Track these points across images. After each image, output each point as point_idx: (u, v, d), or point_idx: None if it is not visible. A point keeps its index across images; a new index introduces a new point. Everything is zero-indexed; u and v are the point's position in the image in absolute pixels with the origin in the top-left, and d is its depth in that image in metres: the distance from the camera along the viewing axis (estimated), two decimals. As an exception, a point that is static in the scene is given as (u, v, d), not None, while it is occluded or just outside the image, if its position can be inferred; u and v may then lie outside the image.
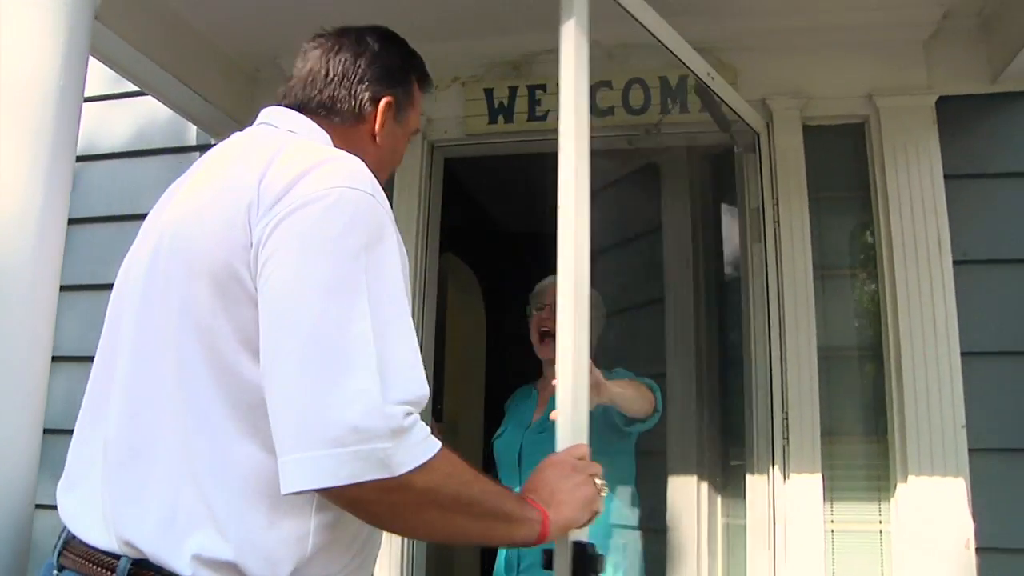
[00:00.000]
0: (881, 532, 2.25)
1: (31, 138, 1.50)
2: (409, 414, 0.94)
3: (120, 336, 1.12)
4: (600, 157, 3.03)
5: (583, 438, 1.34)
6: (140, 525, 1.00)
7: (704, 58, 2.26)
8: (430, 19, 2.49)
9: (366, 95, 1.27)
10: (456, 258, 4.15)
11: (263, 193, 1.02)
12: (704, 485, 2.57)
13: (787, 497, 2.26)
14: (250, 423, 0.98)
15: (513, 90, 2.63)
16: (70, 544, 1.07)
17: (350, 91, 1.26)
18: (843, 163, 2.44)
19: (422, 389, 0.98)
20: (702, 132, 2.53)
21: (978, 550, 2.12)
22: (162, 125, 2.94)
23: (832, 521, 2.26)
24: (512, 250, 4.37)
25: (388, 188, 2.70)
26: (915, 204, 2.31)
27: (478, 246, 4.47)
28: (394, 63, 1.32)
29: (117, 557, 1.00)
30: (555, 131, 2.18)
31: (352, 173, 1.06)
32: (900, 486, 2.21)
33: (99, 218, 2.94)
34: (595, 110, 2.51)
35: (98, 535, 1.03)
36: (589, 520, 1.23)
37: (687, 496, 2.55)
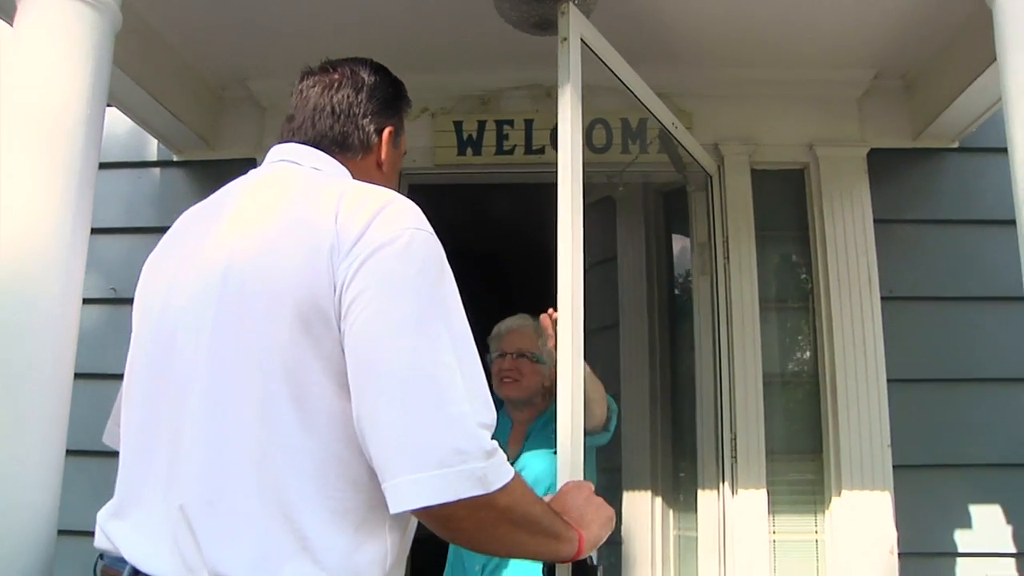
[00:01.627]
0: (817, 541, 2.53)
1: (61, 168, 1.58)
2: (493, 437, 1.07)
3: (181, 367, 1.14)
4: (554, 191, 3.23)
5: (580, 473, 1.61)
6: (234, 561, 1.04)
7: (664, 103, 2.49)
8: (401, 50, 2.58)
9: (371, 127, 1.35)
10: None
11: (341, 235, 1.08)
12: (658, 499, 2.80)
13: (735, 511, 2.52)
14: (336, 456, 1.08)
15: (482, 124, 2.80)
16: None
17: (357, 125, 1.34)
18: (786, 205, 2.74)
19: (493, 414, 1.09)
20: (658, 171, 2.77)
21: (900, 555, 2.43)
22: (121, 139, 2.95)
23: (775, 532, 2.53)
24: (479, 271, 4.52)
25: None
26: (848, 244, 2.62)
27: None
28: (389, 93, 1.41)
29: None
30: (521, 165, 2.41)
31: (414, 213, 1.15)
32: (834, 499, 2.51)
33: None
34: (556, 146, 2.72)
35: (169, 567, 1.07)
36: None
37: (642, 509, 2.78)
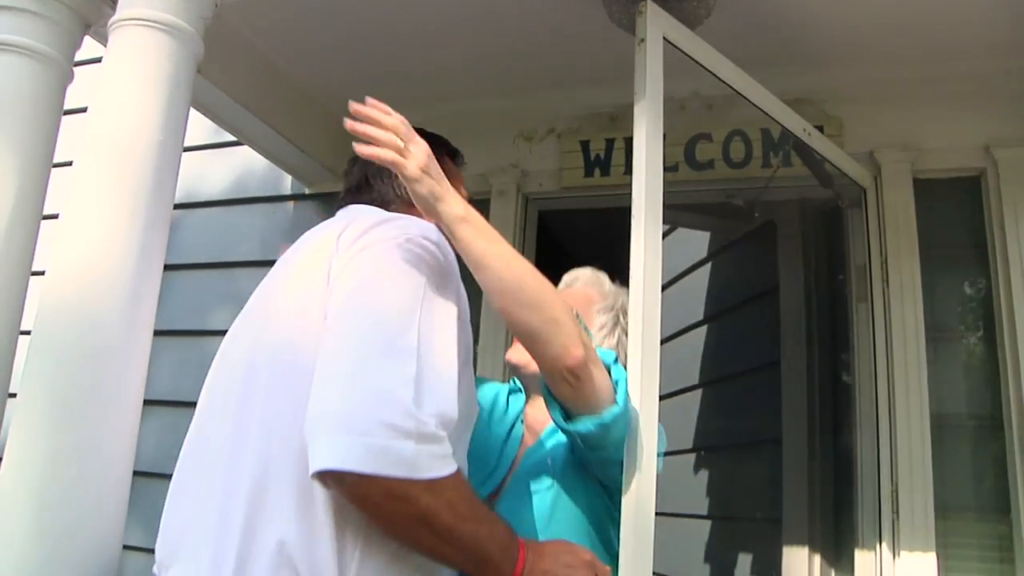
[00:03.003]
0: (1004, 619, 2.12)
1: (131, 191, 1.60)
2: (441, 430, 1.05)
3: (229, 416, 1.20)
4: (713, 218, 3.04)
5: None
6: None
7: (807, 110, 2.27)
8: (527, 70, 2.57)
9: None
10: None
11: (341, 242, 1.19)
12: (817, 557, 2.52)
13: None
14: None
15: (610, 142, 2.69)
16: None
17: (392, 186, 1.44)
18: (957, 218, 2.40)
19: (452, 411, 1.08)
20: (809, 186, 2.50)
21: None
22: (259, 174, 3.10)
23: (949, 605, 2.15)
24: None
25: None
26: (1037, 261, 2.22)
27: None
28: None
29: None
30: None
31: (423, 227, 1.21)
32: (1025, 570, 2.10)
33: (196, 264, 3.08)
34: (693, 163, 2.54)
35: None
36: None
37: (800, 567, 2.48)
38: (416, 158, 1.20)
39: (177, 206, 3.26)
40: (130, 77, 1.63)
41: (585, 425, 1.33)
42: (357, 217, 1.25)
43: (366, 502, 1.03)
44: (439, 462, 1.04)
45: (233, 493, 1.10)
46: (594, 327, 1.63)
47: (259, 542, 1.07)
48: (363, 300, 1.11)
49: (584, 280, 1.72)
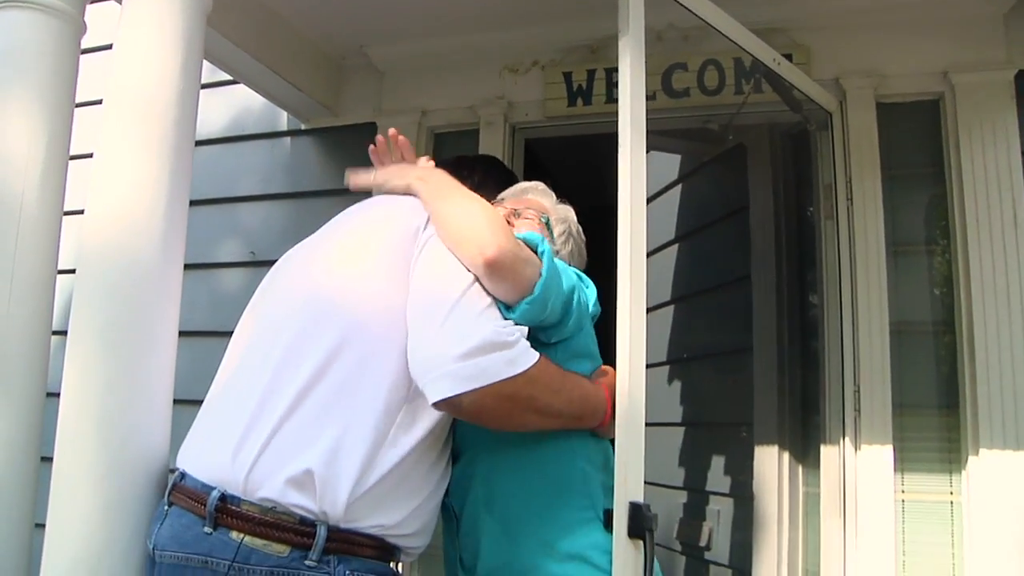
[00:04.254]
0: (952, 503, 2.41)
1: (157, 137, 1.73)
2: (518, 329, 1.35)
3: None
4: (689, 140, 3.21)
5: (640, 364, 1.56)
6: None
7: (778, 38, 2.43)
8: (512, 5, 2.70)
9: None
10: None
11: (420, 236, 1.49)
12: (786, 455, 2.78)
13: (858, 468, 2.45)
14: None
15: (591, 73, 2.83)
16: None
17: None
18: (917, 140, 2.58)
19: (505, 325, 1.37)
20: (781, 111, 2.67)
21: (1050, 520, 2.25)
22: (256, 112, 3.23)
23: (903, 491, 2.44)
24: (587, 223, 4.61)
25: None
26: (990, 180, 2.44)
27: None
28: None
29: None
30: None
31: None
32: (972, 458, 2.37)
33: (200, 201, 3.23)
34: (670, 91, 2.71)
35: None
36: None
37: (770, 465, 2.77)
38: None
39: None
40: (149, 31, 1.75)
41: (520, 309, 1.39)
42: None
43: (483, 412, 1.32)
44: (526, 355, 1.31)
45: (280, 390, 1.35)
46: (555, 232, 1.80)
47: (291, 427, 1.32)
48: (434, 272, 1.38)
49: (539, 191, 1.88)
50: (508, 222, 1.71)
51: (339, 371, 1.34)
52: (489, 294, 1.38)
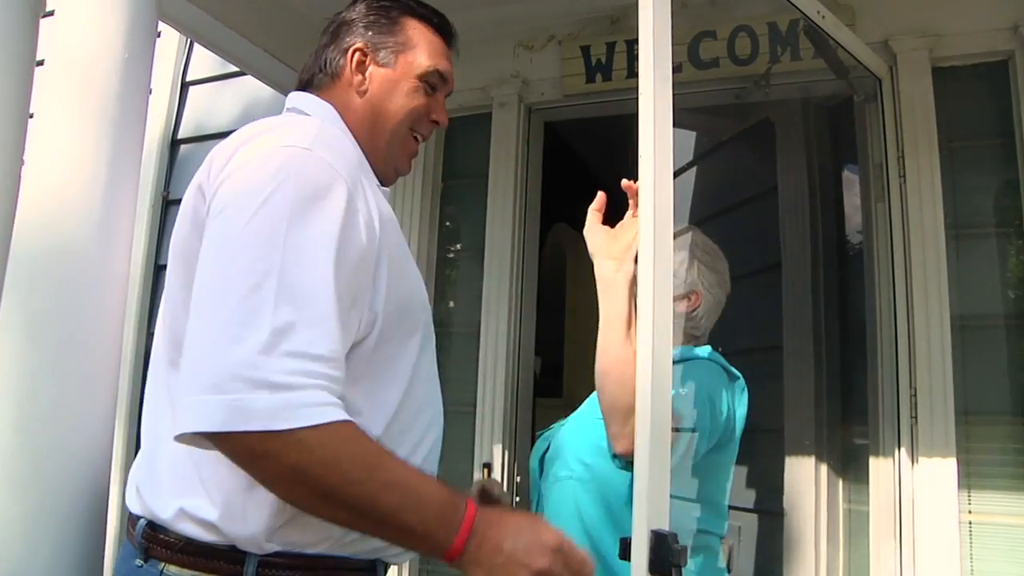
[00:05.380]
0: (1028, 526, 2.07)
1: (94, 110, 1.60)
2: (304, 375, 0.97)
3: None
4: (708, 115, 2.95)
5: (667, 355, 1.29)
6: (155, 488, 1.15)
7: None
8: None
9: (334, 52, 1.36)
10: (571, 229, 4.15)
11: (210, 172, 1.15)
12: (824, 467, 2.50)
13: (916, 483, 2.16)
14: None
15: (611, 46, 2.63)
16: None
17: (320, 55, 1.39)
18: (981, 108, 2.28)
19: (328, 347, 1.01)
20: (817, 81, 2.42)
21: None
22: (265, 103, 3.11)
23: (970, 511, 2.13)
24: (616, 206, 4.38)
25: (483, 155, 2.74)
26: (1069, 151, 2.11)
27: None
28: (371, 13, 1.39)
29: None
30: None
31: (297, 135, 1.14)
32: (1052, 474, 2.04)
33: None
34: (697, 62, 2.47)
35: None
36: None
37: (805, 478, 2.48)
38: None
39: (187, 140, 3.34)
40: None
41: None
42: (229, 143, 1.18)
43: (236, 460, 0.99)
44: (305, 410, 0.95)
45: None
46: (675, 263, 1.73)
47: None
48: (213, 247, 1.05)
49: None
50: None
51: None
52: (337, 281, 1.04)
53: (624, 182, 1.54)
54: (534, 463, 1.83)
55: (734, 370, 1.79)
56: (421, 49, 1.38)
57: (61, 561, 1.40)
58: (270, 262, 1.00)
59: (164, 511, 1.11)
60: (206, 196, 1.12)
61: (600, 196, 1.65)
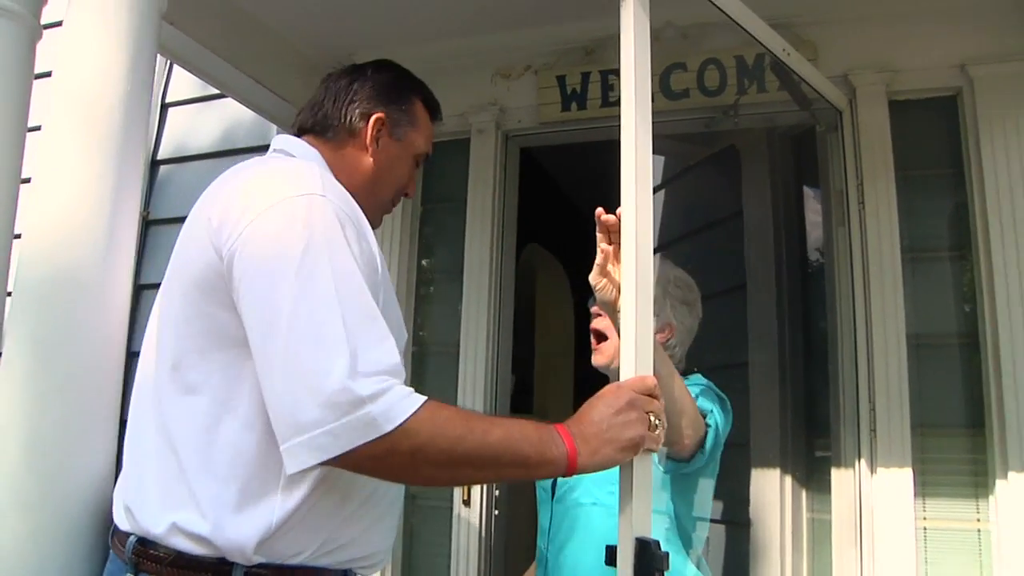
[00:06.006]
0: (979, 531, 2.23)
1: (99, 141, 1.65)
2: (384, 380, 1.11)
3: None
4: (676, 141, 3.08)
5: (648, 370, 1.35)
6: (145, 504, 1.25)
7: (781, 34, 2.27)
8: (502, 7, 2.61)
9: (356, 112, 1.48)
10: (542, 249, 4.26)
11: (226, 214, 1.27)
12: (788, 478, 2.62)
13: (874, 492, 2.29)
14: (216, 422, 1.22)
15: (586, 76, 2.74)
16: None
17: (341, 111, 1.48)
18: (933, 139, 2.43)
19: (393, 354, 1.16)
20: (782, 112, 2.56)
21: (1087, 550, 2.07)
22: (246, 125, 3.18)
23: (925, 518, 2.26)
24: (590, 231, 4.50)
25: (462, 179, 2.82)
26: (1014, 180, 2.29)
27: (565, 235, 4.57)
28: (389, 84, 1.53)
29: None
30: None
31: (304, 180, 1.27)
32: (1000, 482, 2.20)
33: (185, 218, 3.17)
34: (668, 93, 2.59)
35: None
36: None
37: (771, 488, 2.60)
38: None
39: (167, 161, 3.40)
40: (93, 29, 1.68)
41: (697, 463, 1.78)
42: (244, 177, 1.34)
43: (362, 471, 1.15)
44: (400, 406, 1.09)
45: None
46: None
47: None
48: (270, 303, 1.15)
49: None
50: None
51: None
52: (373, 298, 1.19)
53: (599, 212, 1.54)
54: (540, 487, 2.02)
55: (723, 394, 1.93)
56: (421, 131, 1.55)
57: (71, 577, 1.45)
58: (327, 305, 1.13)
59: (156, 527, 1.21)
60: (222, 238, 1.22)
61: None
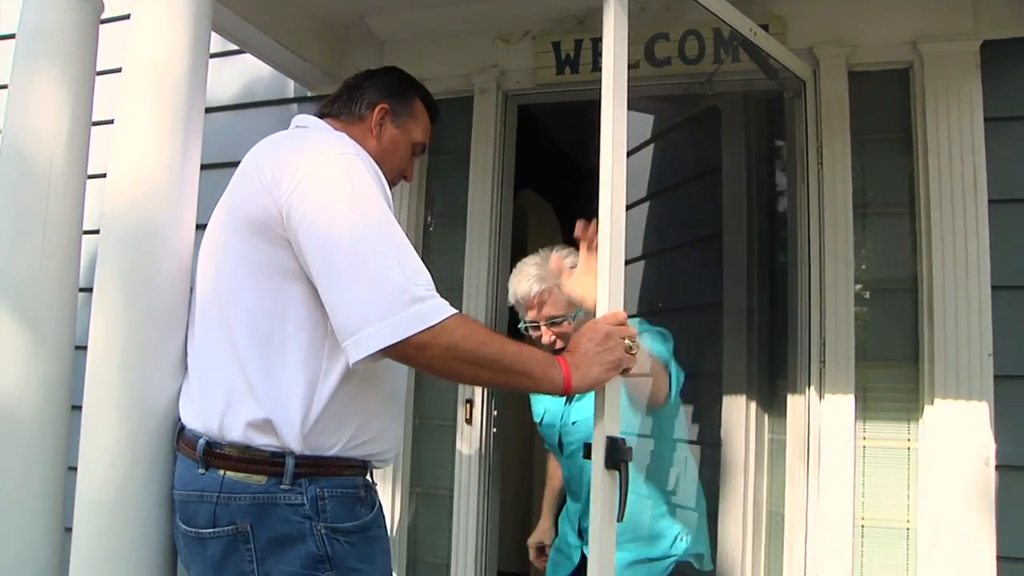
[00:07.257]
0: (909, 449, 2.62)
1: (170, 110, 1.91)
2: (430, 286, 1.47)
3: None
4: (662, 102, 3.40)
5: (619, 307, 1.69)
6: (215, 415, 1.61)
7: (755, 10, 2.60)
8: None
9: (365, 102, 1.90)
10: (535, 194, 4.59)
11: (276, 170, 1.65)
12: (753, 404, 3.00)
13: (823, 415, 2.67)
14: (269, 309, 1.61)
15: (578, 43, 3.03)
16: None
17: (353, 101, 1.90)
18: (887, 108, 2.75)
19: (428, 276, 1.51)
20: (756, 79, 2.86)
21: (997, 467, 2.48)
22: (265, 80, 3.45)
23: (864, 438, 2.65)
24: (586, 186, 4.82)
25: (465, 134, 3.12)
26: (953, 145, 2.62)
27: (556, 182, 4.92)
28: (394, 83, 1.95)
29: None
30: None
31: (339, 141, 1.70)
32: (928, 408, 2.58)
33: (211, 165, 3.43)
34: (652, 60, 2.91)
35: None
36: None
37: (738, 413, 2.99)
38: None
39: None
40: (161, 13, 1.96)
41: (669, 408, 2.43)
42: (281, 145, 1.70)
43: (408, 360, 1.49)
44: (442, 308, 1.45)
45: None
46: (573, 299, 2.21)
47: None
48: (331, 232, 1.49)
49: (535, 291, 2.43)
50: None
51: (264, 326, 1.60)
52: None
53: (578, 229, 1.98)
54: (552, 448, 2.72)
55: (664, 330, 2.49)
56: (419, 124, 1.96)
57: (155, 475, 1.74)
58: (377, 229, 1.50)
59: (227, 427, 1.57)
60: (280, 190, 1.56)
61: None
